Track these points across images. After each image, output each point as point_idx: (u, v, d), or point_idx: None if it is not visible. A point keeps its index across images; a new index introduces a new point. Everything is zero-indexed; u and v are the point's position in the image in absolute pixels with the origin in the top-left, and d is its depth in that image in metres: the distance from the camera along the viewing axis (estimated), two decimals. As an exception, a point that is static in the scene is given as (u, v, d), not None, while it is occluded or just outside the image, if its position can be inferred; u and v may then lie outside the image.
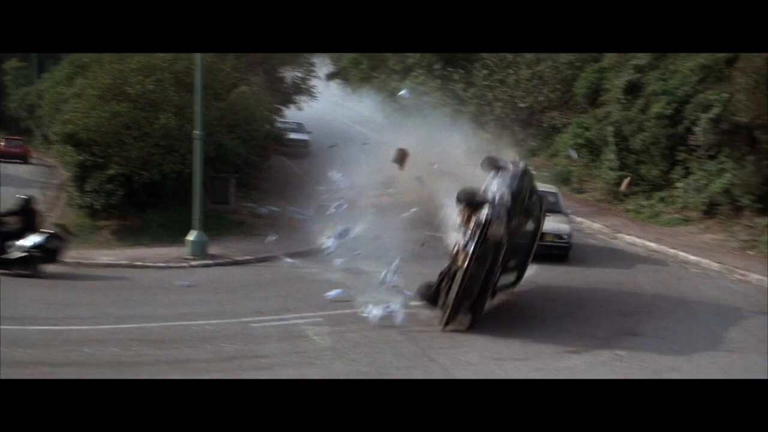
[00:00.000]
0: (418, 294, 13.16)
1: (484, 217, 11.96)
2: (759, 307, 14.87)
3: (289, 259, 17.17)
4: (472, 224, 12.31)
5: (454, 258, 12.78)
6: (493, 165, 13.73)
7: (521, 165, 14.41)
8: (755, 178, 21.08)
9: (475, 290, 12.17)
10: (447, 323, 12.35)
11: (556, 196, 19.06)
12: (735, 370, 11.10)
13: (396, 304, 13.13)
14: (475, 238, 11.97)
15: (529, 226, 14.19)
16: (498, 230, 11.85)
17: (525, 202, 13.23)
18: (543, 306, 14.50)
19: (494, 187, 12.73)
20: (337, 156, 29.12)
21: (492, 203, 12.15)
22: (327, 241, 15.70)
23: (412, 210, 19.23)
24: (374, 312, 12.90)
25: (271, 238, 18.53)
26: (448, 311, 12.27)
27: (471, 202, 12.55)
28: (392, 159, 18.92)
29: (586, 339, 12.32)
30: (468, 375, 10.53)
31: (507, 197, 12.26)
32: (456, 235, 13.26)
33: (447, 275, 12.77)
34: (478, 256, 11.93)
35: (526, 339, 12.22)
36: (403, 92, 15.92)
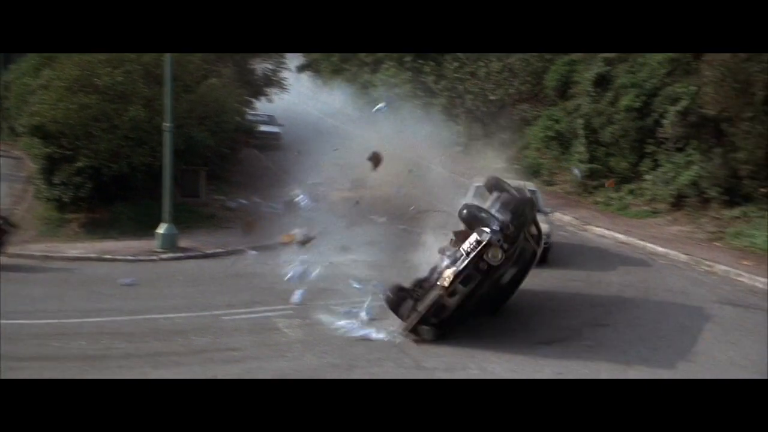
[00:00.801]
0: (386, 293, 12.37)
1: (484, 240, 11.29)
2: (725, 298, 15.08)
3: (253, 251, 16.99)
4: (466, 243, 11.53)
5: (438, 270, 11.95)
6: (497, 187, 13.42)
7: (528, 192, 14.34)
8: (722, 170, 21.33)
9: (449, 310, 11.55)
10: (410, 330, 11.77)
11: (535, 194, 17.94)
12: (701, 360, 11.25)
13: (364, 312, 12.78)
14: (468, 259, 11.34)
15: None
16: (496, 255, 11.26)
17: (525, 233, 12.49)
18: (513, 297, 14.58)
19: (496, 209, 12.26)
20: (310, 151, 29.16)
21: (494, 226, 11.49)
22: (289, 274, 14.85)
23: (381, 220, 19.36)
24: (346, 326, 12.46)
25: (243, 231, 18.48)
26: (415, 320, 11.68)
27: (474, 220, 11.80)
28: (368, 159, 18.97)
29: (556, 330, 12.42)
30: (439, 365, 10.58)
31: (511, 224, 11.71)
32: (443, 246, 12.65)
33: (425, 283, 12.08)
34: (465, 277, 11.37)
35: (498, 330, 12.29)
36: (380, 105, 15.70)
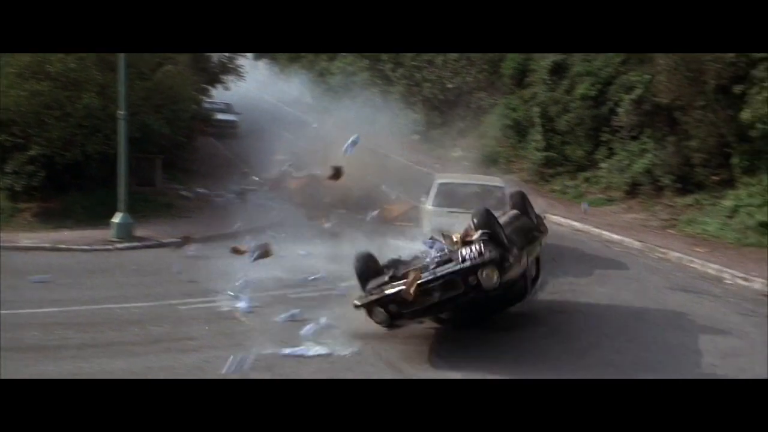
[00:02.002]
0: (356, 261, 11.32)
1: (489, 257, 10.01)
2: (678, 284, 15.34)
3: (191, 250, 16.75)
4: (467, 249, 10.24)
5: (423, 259, 11.01)
6: (520, 206, 12.68)
7: (543, 216, 13.70)
8: (675, 158, 21.65)
9: (415, 306, 10.34)
10: (363, 307, 10.67)
11: (503, 190, 16.52)
12: (654, 347, 11.43)
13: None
14: (458, 267, 10.12)
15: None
16: (491, 277, 9.97)
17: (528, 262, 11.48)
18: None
19: (511, 229, 11.22)
20: (266, 138, 29.06)
21: (500, 243, 10.33)
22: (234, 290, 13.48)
23: (328, 225, 19.34)
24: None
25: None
26: (372, 300, 10.56)
27: (488, 230, 10.38)
28: (330, 174, 18.86)
29: (512, 317, 12.50)
30: (398, 356, 10.59)
31: (522, 253, 10.84)
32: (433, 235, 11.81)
33: (402, 267, 11.12)
34: (446, 282, 10.20)
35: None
36: (354, 138, 15.44)
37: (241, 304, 12.62)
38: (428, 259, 10.83)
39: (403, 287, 10.18)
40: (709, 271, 16.42)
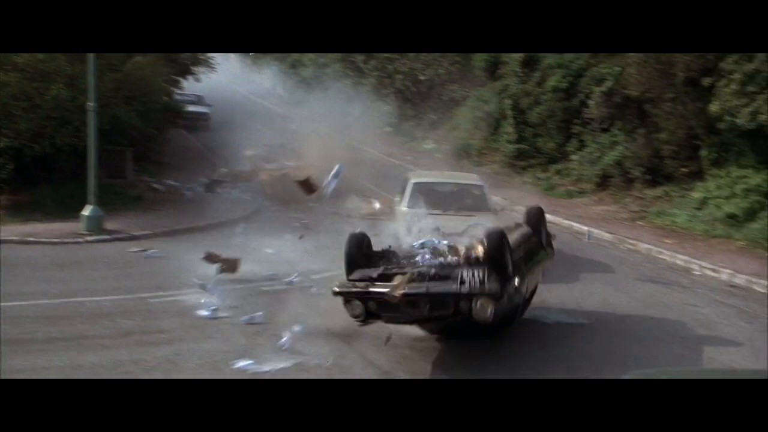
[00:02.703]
0: (349, 242, 10.36)
1: (487, 287, 9.06)
2: (646, 275, 15.51)
3: (151, 251, 16.25)
4: (468, 273, 9.28)
5: (412, 263, 10.05)
6: (534, 224, 11.93)
7: (553, 236, 12.92)
8: (645, 150, 21.87)
9: (397, 313, 9.59)
10: (341, 295, 9.86)
11: (482, 189, 15.60)
12: (623, 334, 11.55)
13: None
14: (454, 287, 9.20)
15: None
16: (485, 309, 9.05)
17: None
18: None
19: (519, 255, 10.30)
20: (239, 130, 28.95)
21: (506, 273, 9.39)
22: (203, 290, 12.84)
23: (312, 204, 19.33)
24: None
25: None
26: (352, 292, 9.77)
27: (496, 255, 9.46)
28: (300, 184, 18.61)
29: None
30: (369, 346, 10.60)
31: (523, 284, 9.96)
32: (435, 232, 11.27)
33: (391, 261, 10.29)
34: (436, 300, 9.35)
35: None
36: (338, 168, 14.69)
37: (207, 308, 11.99)
38: (423, 262, 9.91)
39: (389, 291, 9.29)
40: (678, 262, 16.61)
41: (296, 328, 10.83)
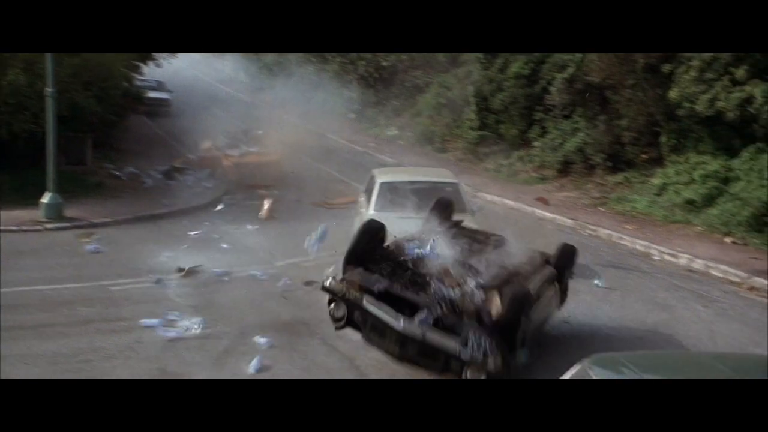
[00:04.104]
0: (362, 232, 9.57)
1: (491, 363, 7.91)
2: (607, 260, 15.67)
3: (93, 246, 15.61)
4: (474, 333, 8.11)
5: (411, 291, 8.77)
6: (566, 263, 10.47)
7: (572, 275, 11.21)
8: (606, 137, 22.07)
9: (381, 340, 8.75)
10: (329, 293, 9.15)
11: (457, 187, 14.17)
12: (584, 318, 11.68)
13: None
14: (454, 346, 8.15)
15: None
16: (478, 375, 7.99)
17: None
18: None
19: (535, 289, 9.14)
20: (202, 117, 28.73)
21: (514, 343, 8.14)
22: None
23: (275, 192, 19.18)
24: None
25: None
26: (344, 297, 8.96)
27: (512, 320, 8.07)
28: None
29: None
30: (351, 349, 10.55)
31: (526, 340, 8.49)
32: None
33: (393, 268, 9.14)
34: (429, 348, 8.34)
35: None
36: (321, 230, 12.78)
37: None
38: (434, 291, 8.63)
39: (388, 322, 8.53)
40: (638, 247, 16.81)
41: (261, 340, 10.19)
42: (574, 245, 10.76)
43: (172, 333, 10.42)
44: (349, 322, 9.09)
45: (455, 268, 9.03)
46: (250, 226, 16.76)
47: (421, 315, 8.44)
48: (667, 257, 16.00)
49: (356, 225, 13.35)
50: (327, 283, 9.17)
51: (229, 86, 46.20)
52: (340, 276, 9.28)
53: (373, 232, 9.61)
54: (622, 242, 17.28)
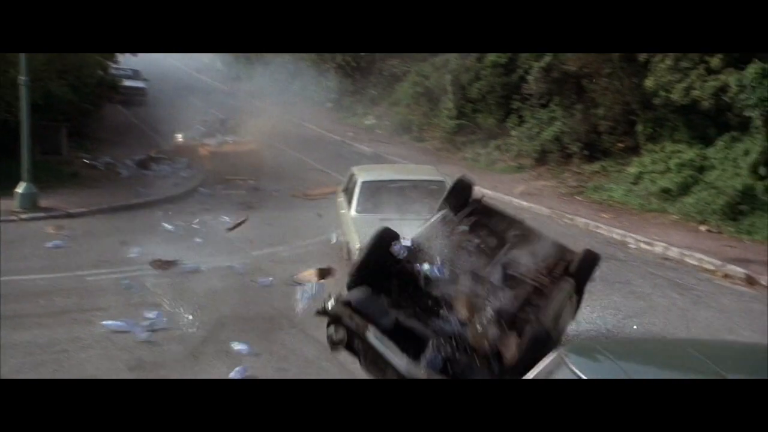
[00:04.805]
0: (373, 246, 8.53)
1: None
2: (583, 247, 15.74)
3: (55, 242, 14.96)
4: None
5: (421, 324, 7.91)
6: (585, 273, 9.03)
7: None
8: (583, 126, 22.16)
9: (375, 369, 7.95)
10: (329, 317, 8.02)
11: (443, 185, 12.86)
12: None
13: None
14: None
15: None
16: None
17: None
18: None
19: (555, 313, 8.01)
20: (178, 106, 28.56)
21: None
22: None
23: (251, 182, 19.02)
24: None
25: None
26: (346, 324, 7.89)
27: (527, 361, 6.50)
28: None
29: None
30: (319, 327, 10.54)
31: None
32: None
33: (404, 290, 8.30)
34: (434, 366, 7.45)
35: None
36: (318, 287, 11.44)
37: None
38: (449, 327, 7.84)
39: (397, 365, 7.63)
40: (614, 236, 16.92)
41: (238, 346, 9.78)
42: (599, 253, 9.42)
43: (143, 335, 10.03)
44: (348, 346, 8.07)
45: (468, 283, 8.19)
46: (226, 217, 16.68)
47: (428, 355, 7.54)
48: (643, 245, 16.12)
49: (340, 228, 13.46)
50: (328, 306, 8.05)
51: (205, 75, 45.99)
52: (343, 291, 8.25)
53: (385, 244, 8.47)
54: (598, 231, 17.38)
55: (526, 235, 9.16)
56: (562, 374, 5.01)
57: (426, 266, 8.31)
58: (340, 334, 7.92)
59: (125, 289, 11.89)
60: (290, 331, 10.32)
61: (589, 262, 9.19)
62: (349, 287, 8.23)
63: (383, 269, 8.34)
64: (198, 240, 15.06)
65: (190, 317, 10.68)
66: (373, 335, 7.73)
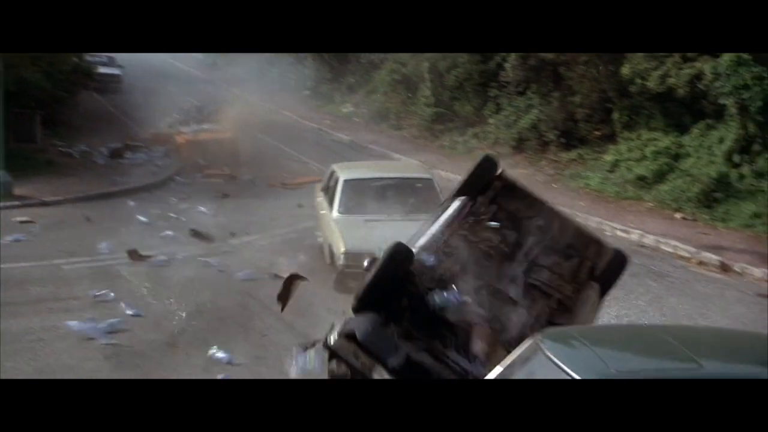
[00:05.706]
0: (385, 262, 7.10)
1: None
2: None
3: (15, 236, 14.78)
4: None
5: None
6: (615, 277, 8.19)
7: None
8: (560, 114, 22.21)
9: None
10: (331, 351, 7.00)
11: (431, 183, 12.76)
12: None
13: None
14: None
15: None
16: None
17: None
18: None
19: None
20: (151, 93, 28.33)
21: None
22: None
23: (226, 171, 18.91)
24: None
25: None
26: (349, 362, 6.82)
27: None
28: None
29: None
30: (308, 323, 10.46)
31: None
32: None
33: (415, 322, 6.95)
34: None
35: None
36: (317, 361, 10.07)
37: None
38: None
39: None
40: (591, 224, 16.93)
41: (218, 354, 9.25)
42: (628, 255, 8.46)
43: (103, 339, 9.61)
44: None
45: (486, 303, 7.17)
46: (202, 207, 16.59)
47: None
48: (619, 233, 16.22)
49: (321, 229, 12.71)
50: (330, 340, 7.01)
51: (182, 62, 45.56)
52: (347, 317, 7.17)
53: (397, 263, 7.14)
54: (575, 219, 17.45)
55: (550, 224, 7.98)
56: (537, 361, 5.04)
57: (437, 297, 7.04)
58: (343, 369, 6.93)
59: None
60: (267, 320, 10.31)
61: (618, 265, 8.25)
62: (355, 311, 7.11)
63: (394, 291, 7.10)
64: (169, 233, 14.69)
65: (167, 305, 10.66)
66: (379, 376, 6.68)
